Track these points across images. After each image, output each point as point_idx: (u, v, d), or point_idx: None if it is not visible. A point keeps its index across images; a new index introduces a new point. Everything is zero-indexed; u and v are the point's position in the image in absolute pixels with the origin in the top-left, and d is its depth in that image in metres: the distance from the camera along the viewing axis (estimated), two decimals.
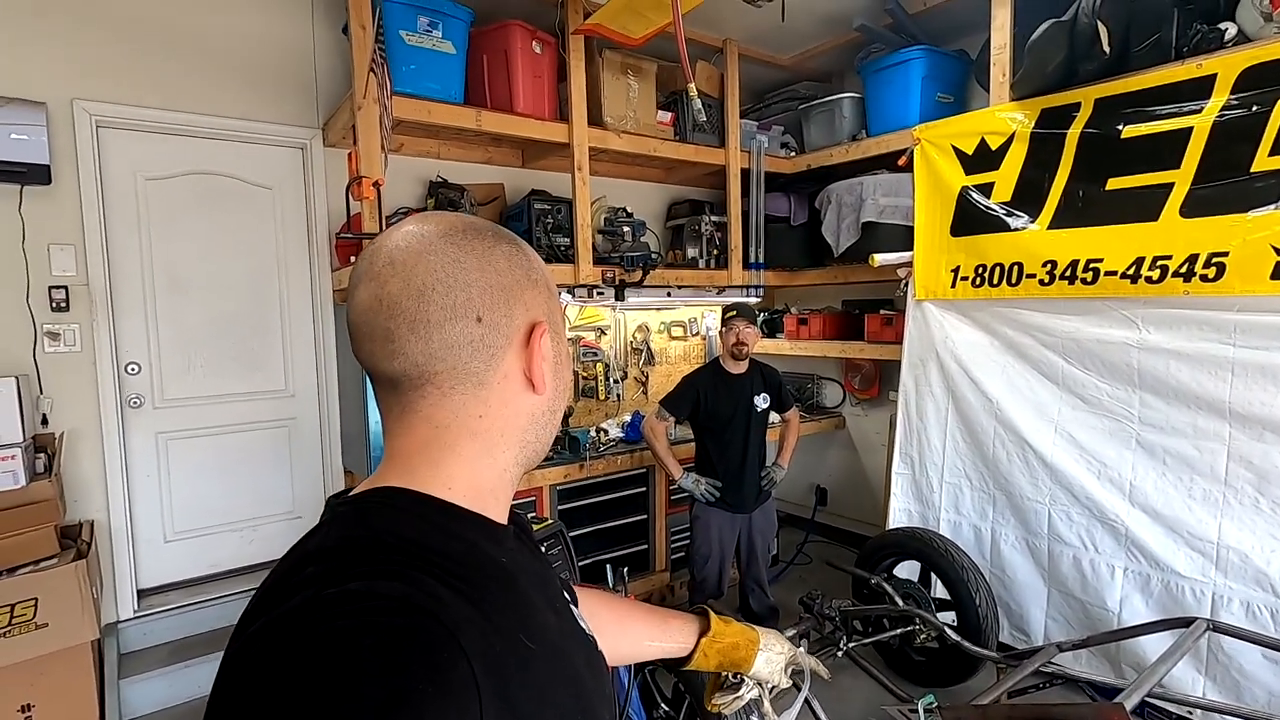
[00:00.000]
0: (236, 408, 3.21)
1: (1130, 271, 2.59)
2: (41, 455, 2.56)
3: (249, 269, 3.19)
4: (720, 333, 3.03)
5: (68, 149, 2.69)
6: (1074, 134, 2.77)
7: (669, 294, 3.91)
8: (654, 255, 3.62)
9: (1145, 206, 2.56)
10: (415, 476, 0.61)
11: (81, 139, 2.72)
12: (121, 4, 2.77)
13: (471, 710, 0.48)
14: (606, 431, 3.68)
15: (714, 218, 4.05)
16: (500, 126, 3.06)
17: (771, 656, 1.09)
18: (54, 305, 2.69)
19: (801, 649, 1.17)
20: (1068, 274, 2.77)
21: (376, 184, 2.56)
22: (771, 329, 4.38)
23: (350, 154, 2.76)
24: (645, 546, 3.70)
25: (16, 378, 2.43)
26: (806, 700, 1.52)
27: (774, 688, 1.10)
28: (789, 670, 1.11)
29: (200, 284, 3.08)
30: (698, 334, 4.55)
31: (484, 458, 0.64)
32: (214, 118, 3.00)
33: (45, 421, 2.69)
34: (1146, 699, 1.96)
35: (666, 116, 3.68)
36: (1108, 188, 2.67)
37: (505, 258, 0.64)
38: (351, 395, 3.29)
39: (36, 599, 2.28)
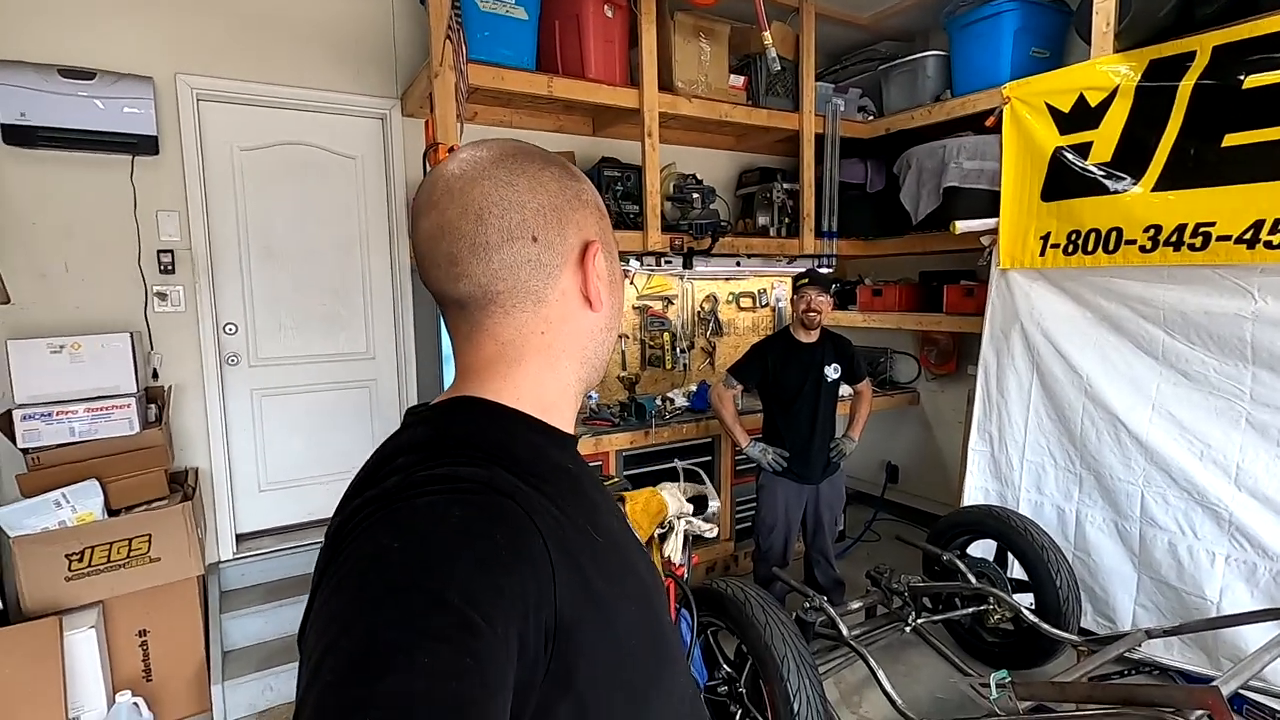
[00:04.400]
0: (322, 368, 3.39)
1: (1247, 236, 2.38)
2: (153, 406, 2.79)
3: (333, 236, 3.34)
4: (791, 300, 2.96)
5: (171, 121, 2.87)
6: (1187, 86, 2.54)
7: (738, 263, 3.86)
8: (723, 223, 3.57)
9: (1268, 164, 2.33)
10: (487, 388, 0.65)
11: (184, 111, 2.89)
12: None
13: (546, 581, 0.52)
14: (672, 400, 3.69)
15: (786, 185, 3.95)
16: (571, 93, 3.07)
17: (672, 491, 1.31)
18: (161, 268, 2.90)
19: (679, 470, 1.44)
20: (1173, 239, 2.57)
21: (452, 149, 2.61)
22: (844, 300, 4.26)
23: (427, 122, 2.83)
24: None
25: (130, 334, 2.64)
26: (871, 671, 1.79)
27: (682, 515, 1.32)
28: (687, 495, 1.35)
29: (289, 249, 3.25)
30: (767, 305, 4.47)
31: (548, 372, 0.67)
32: (301, 89, 3.13)
33: (156, 375, 2.91)
34: (1244, 690, 1.83)
35: (739, 80, 3.59)
36: (1224, 144, 2.44)
37: (555, 179, 0.65)
38: (427, 359, 3.41)
39: (151, 535, 2.49)
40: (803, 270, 2.96)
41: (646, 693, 0.62)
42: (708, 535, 1.38)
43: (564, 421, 0.70)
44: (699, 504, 1.45)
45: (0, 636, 2.19)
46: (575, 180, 0.68)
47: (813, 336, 2.95)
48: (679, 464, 1.68)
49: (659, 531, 1.34)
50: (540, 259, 0.64)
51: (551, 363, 0.67)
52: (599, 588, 0.57)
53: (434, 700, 0.41)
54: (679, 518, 1.31)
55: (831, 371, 2.97)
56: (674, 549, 1.30)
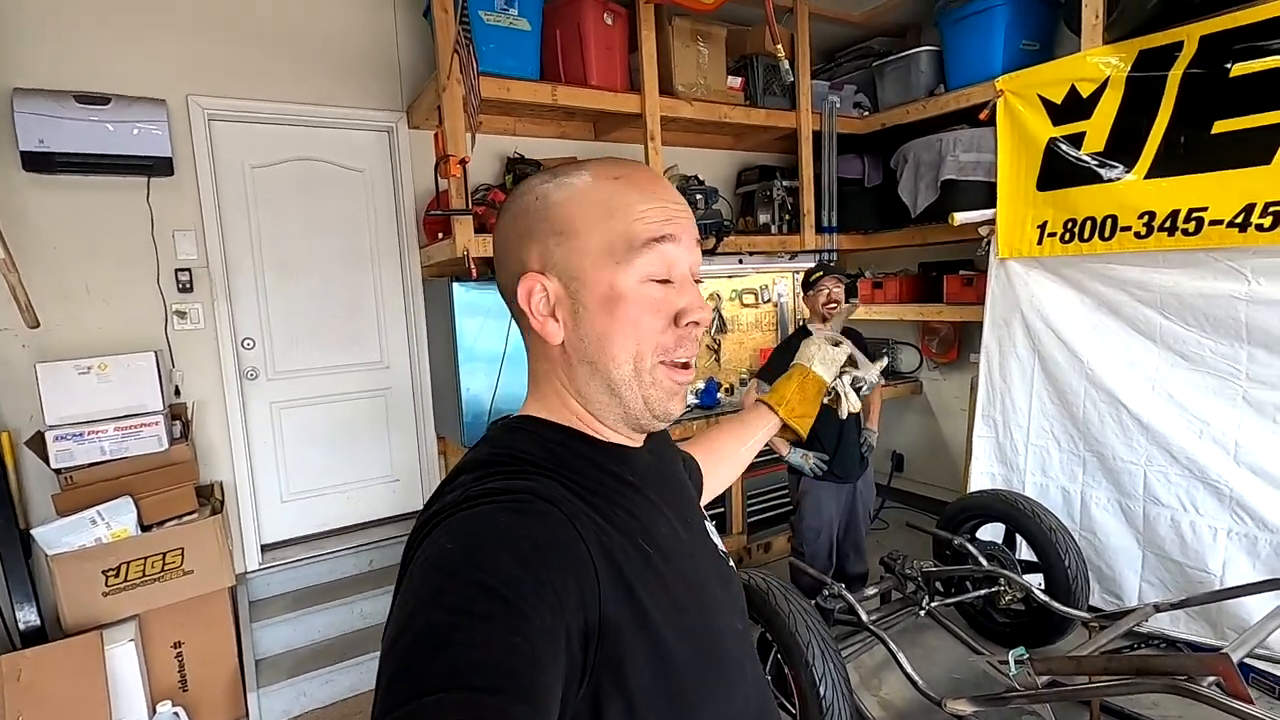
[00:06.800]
0: (338, 379, 3.44)
1: (1238, 220, 2.45)
2: (177, 422, 2.84)
3: (344, 248, 3.40)
4: (806, 296, 2.95)
5: (185, 142, 2.92)
6: (1175, 75, 2.62)
7: (740, 261, 3.93)
8: (726, 223, 3.63)
9: (1257, 149, 2.41)
10: (537, 407, 0.72)
11: (197, 132, 2.95)
12: (224, 3, 2.96)
13: (589, 582, 0.57)
14: None
15: (785, 182, 4.02)
16: (575, 100, 3.13)
17: (821, 358, 1.16)
18: (180, 286, 2.95)
19: (826, 330, 1.29)
20: (1167, 225, 2.64)
21: (463, 161, 2.67)
22: (845, 294, 4.32)
23: (436, 133, 2.89)
24: (722, 510, 3.78)
25: (154, 352, 2.70)
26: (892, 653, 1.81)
27: (842, 374, 1.19)
28: (836, 344, 1.19)
29: (302, 263, 3.30)
30: (769, 301, 4.54)
31: (565, 398, 0.70)
32: (308, 105, 3.18)
33: (178, 392, 2.97)
34: (1249, 661, 1.91)
35: (736, 82, 3.66)
36: (1214, 131, 2.52)
37: (510, 219, 0.69)
38: (442, 367, 3.47)
39: (183, 548, 2.55)
40: (813, 265, 2.99)
41: (701, 700, 0.63)
42: (873, 379, 1.21)
43: (630, 438, 0.72)
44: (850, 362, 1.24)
45: (46, 653, 2.25)
46: (534, 210, 0.66)
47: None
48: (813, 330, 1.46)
49: (826, 399, 1.18)
50: (504, 292, 0.70)
51: (560, 390, 0.70)
52: (643, 595, 0.60)
53: (487, 667, 0.47)
54: (840, 377, 1.17)
55: None
56: (850, 405, 1.18)
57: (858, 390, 1.19)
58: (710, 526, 0.83)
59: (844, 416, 1.17)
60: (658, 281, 0.65)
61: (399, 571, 0.60)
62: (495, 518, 0.56)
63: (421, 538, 0.59)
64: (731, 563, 0.82)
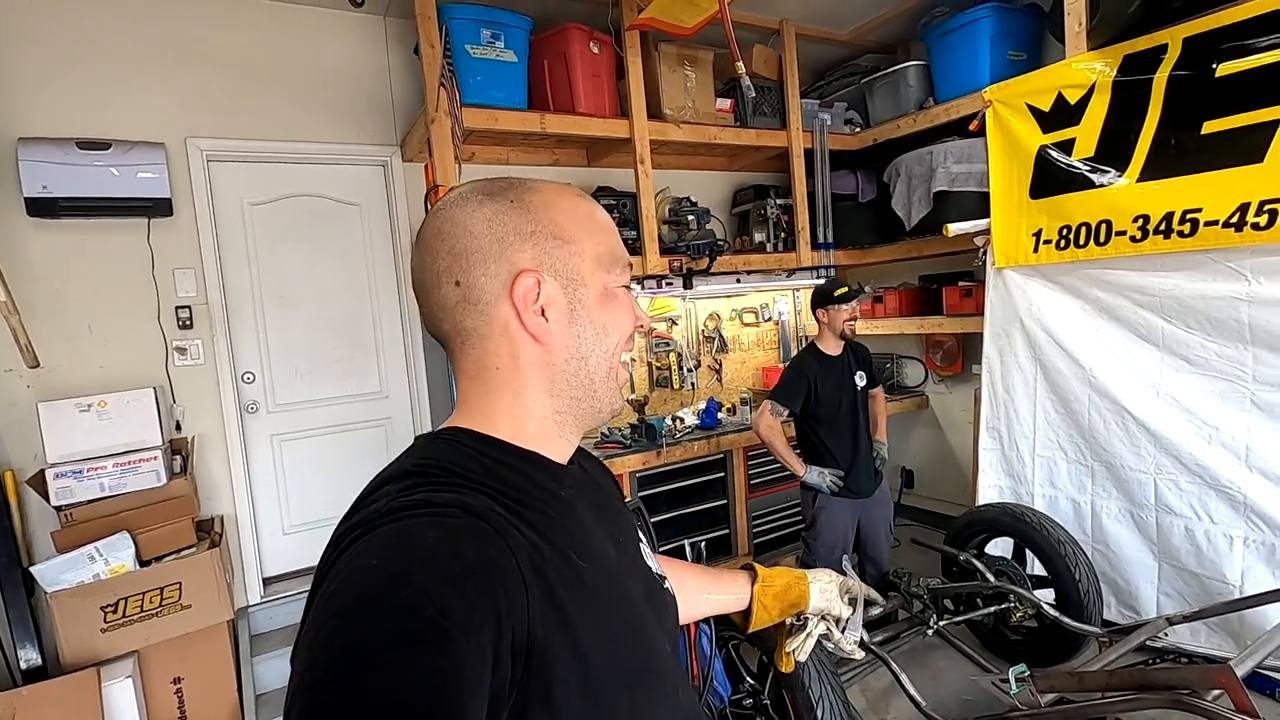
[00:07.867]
0: (338, 410, 3.47)
1: (1234, 219, 2.41)
2: (177, 457, 2.87)
3: (343, 281, 3.45)
4: (828, 311, 2.87)
5: (184, 183, 3.00)
6: (1161, 78, 2.60)
7: (738, 280, 3.93)
8: (720, 242, 3.64)
9: (1248, 148, 2.37)
10: (469, 419, 0.69)
11: (195, 173, 3.02)
12: (221, 47, 3.06)
13: (519, 598, 0.55)
14: (682, 420, 3.73)
15: (780, 201, 4.03)
16: (563, 127, 3.17)
17: (824, 586, 1.10)
18: (180, 323, 3.00)
19: (849, 570, 1.20)
20: (1162, 228, 2.60)
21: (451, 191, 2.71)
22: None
23: (427, 165, 2.94)
24: (726, 531, 3.73)
25: (154, 388, 2.74)
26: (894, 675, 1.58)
27: (837, 619, 1.11)
28: (845, 596, 1.12)
29: (301, 297, 3.35)
30: (770, 319, 4.53)
31: (516, 406, 0.69)
32: (304, 143, 3.26)
33: (179, 427, 3.00)
34: (1266, 670, 1.83)
35: (726, 104, 3.69)
36: (1203, 132, 2.49)
37: (484, 220, 0.66)
38: (440, 395, 3.49)
39: (181, 583, 2.56)
40: (831, 280, 2.91)
41: (631, 716, 0.63)
42: (845, 651, 1.11)
43: (556, 451, 0.71)
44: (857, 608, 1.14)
45: (42, 690, 2.26)
46: (518, 214, 0.67)
47: (839, 348, 2.93)
48: (849, 564, 1.30)
49: (790, 621, 1.09)
50: (468, 298, 0.66)
51: (516, 396, 0.68)
52: (573, 613, 0.58)
53: (410, 699, 0.45)
54: (821, 618, 1.09)
55: (859, 379, 2.97)
56: (798, 648, 1.08)
57: (819, 642, 1.11)
58: (645, 549, 0.81)
59: (788, 652, 1.09)
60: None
61: (314, 578, 0.58)
62: (423, 532, 0.54)
63: (341, 549, 0.56)
64: (668, 584, 0.80)
